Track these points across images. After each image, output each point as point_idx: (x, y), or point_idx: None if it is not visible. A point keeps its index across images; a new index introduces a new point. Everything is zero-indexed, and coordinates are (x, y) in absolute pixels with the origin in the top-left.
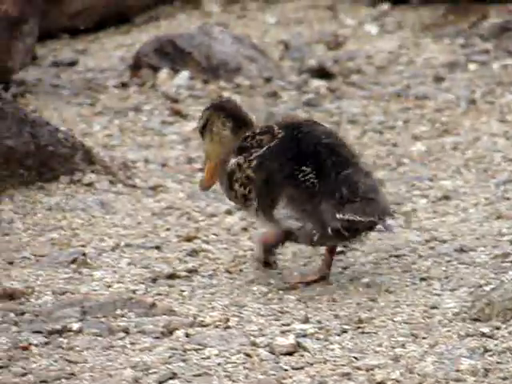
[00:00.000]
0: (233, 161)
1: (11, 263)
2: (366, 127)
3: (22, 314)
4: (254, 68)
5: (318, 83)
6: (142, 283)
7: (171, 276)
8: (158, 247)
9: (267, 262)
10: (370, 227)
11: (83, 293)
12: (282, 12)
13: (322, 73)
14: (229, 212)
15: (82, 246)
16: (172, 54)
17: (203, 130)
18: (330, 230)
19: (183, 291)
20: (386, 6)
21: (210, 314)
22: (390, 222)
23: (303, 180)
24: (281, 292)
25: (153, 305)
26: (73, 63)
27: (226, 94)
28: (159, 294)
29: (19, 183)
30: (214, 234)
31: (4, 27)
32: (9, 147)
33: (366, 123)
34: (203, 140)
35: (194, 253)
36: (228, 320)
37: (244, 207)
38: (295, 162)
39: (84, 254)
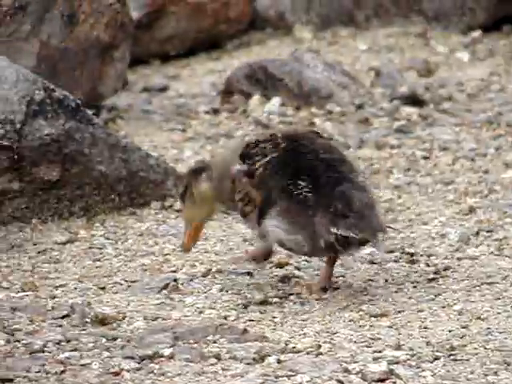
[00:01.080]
0: (237, 167)
1: (103, 288)
2: (458, 154)
3: (114, 339)
4: (345, 95)
5: (409, 110)
6: (234, 309)
7: (263, 302)
8: (249, 273)
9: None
10: (363, 243)
11: (175, 318)
12: (374, 39)
13: (414, 100)
14: None
15: (174, 271)
16: (263, 80)
17: (183, 195)
18: (322, 243)
19: (275, 317)
20: (477, 34)
21: (301, 340)
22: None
23: (297, 193)
24: (373, 319)
25: (244, 331)
26: (164, 89)
27: (317, 121)
28: (251, 320)
29: (110, 209)
30: (305, 261)
31: (96, 53)
32: (100, 173)
33: (457, 150)
34: (184, 206)
35: (285, 279)
36: (320, 346)
37: (244, 216)
38: (291, 175)
39: (175, 280)
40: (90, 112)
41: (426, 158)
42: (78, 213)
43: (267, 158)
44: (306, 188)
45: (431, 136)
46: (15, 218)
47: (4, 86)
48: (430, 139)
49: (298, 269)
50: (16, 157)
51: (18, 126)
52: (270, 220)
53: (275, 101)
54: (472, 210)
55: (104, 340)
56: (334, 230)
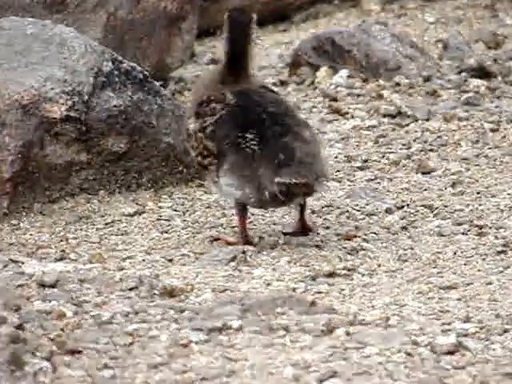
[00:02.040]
0: (191, 126)
1: (170, 261)
2: None
3: (182, 311)
4: (413, 67)
5: (477, 82)
6: (302, 281)
7: (331, 274)
8: (317, 245)
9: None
10: (307, 192)
11: (243, 291)
12: (441, 11)
13: (482, 72)
14: (388, 211)
15: (242, 244)
16: (331, 52)
17: None
18: (267, 194)
19: (343, 289)
20: None
21: (370, 312)
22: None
23: (244, 147)
24: (441, 291)
25: (313, 303)
26: None
27: (385, 93)
28: (319, 293)
29: (178, 180)
30: (373, 233)
31: (163, 24)
32: (168, 144)
33: None
34: None
35: (353, 251)
36: (388, 319)
37: (204, 169)
38: (239, 129)
39: (244, 252)
40: (157, 83)
41: (494, 130)
42: (145, 184)
43: (216, 116)
44: (253, 141)
45: (499, 108)
46: (83, 189)
47: (72, 57)
48: (498, 111)
49: (367, 241)
50: (84, 128)
51: (86, 97)
52: (223, 178)
53: (343, 73)
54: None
55: (172, 312)
56: (276, 179)
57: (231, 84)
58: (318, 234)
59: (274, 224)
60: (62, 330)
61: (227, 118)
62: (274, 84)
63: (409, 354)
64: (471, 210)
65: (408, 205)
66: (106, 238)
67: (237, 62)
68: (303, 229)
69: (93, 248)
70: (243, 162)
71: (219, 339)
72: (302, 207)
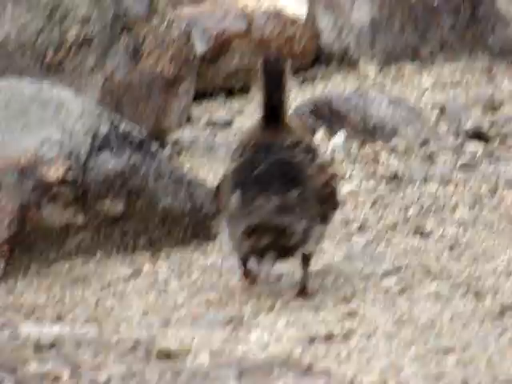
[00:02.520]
0: None
1: (167, 323)
2: None
3: (179, 373)
4: (410, 130)
5: (474, 146)
6: (299, 344)
7: (328, 337)
8: (314, 308)
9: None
10: (282, 246)
11: (240, 353)
12: (438, 74)
13: (479, 136)
14: (386, 274)
15: (239, 306)
16: (328, 115)
17: None
18: (241, 252)
19: (340, 353)
20: None
21: (367, 376)
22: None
23: (232, 203)
24: (439, 355)
25: (309, 366)
26: (228, 123)
27: (382, 156)
28: (316, 356)
29: (175, 242)
30: (370, 296)
31: (160, 87)
32: (165, 207)
33: None
34: None
35: (351, 314)
36: (386, 382)
37: None
38: (233, 186)
39: (241, 315)
40: (154, 146)
41: (491, 194)
42: (142, 246)
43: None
44: (239, 197)
45: (496, 172)
46: (79, 251)
47: (69, 119)
48: (495, 175)
49: (364, 304)
50: (81, 190)
51: (83, 159)
52: (223, 229)
53: (340, 136)
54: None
55: (169, 374)
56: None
57: (266, 135)
58: (315, 296)
59: (272, 284)
60: None
61: (234, 171)
62: None
63: None
64: (468, 274)
65: (405, 268)
66: (102, 299)
67: (273, 112)
68: (303, 291)
69: (89, 310)
70: (230, 217)
71: None
72: (305, 267)
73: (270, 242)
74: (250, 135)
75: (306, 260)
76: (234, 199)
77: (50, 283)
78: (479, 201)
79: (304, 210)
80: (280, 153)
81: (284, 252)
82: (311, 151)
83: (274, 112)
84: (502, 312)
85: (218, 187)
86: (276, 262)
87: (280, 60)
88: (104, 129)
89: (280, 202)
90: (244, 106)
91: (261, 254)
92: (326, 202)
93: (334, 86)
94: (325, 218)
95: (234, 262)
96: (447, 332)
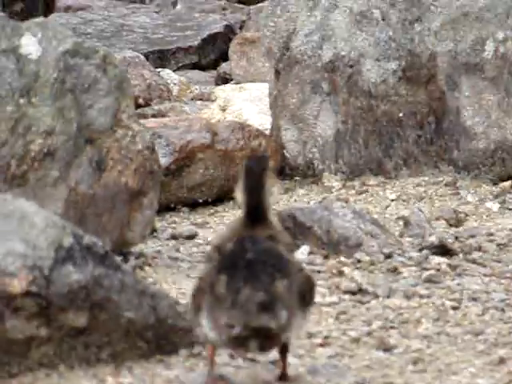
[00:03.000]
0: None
1: None
2: (488, 304)
3: None
4: (374, 243)
5: (438, 260)
6: None
7: None
8: None
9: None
10: (265, 338)
11: None
12: (402, 188)
13: (443, 249)
14: None
15: None
16: (292, 228)
17: None
18: (225, 342)
19: None
20: (507, 184)
21: None
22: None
23: (214, 297)
24: None
25: None
26: (192, 236)
27: (346, 269)
28: None
29: (138, 356)
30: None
31: (124, 199)
32: (129, 319)
33: (487, 300)
34: None
35: None
36: None
37: None
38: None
39: None
40: (118, 258)
41: (455, 308)
42: (105, 359)
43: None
44: (222, 289)
45: (461, 286)
46: (42, 364)
47: (33, 232)
48: (459, 289)
49: None
50: (44, 303)
51: (47, 272)
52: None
53: (304, 249)
54: (502, 361)
55: None
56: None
57: (249, 231)
58: None
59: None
60: None
61: (219, 259)
62: None
63: None
64: None
65: (368, 382)
66: None
67: (254, 210)
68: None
69: None
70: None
71: None
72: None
73: (253, 335)
74: (231, 232)
75: (284, 348)
76: (220, 284)
77: None
78: (443, 315)
79: (289, 300)
80: (266, 243)
81: (267, 341)
82: (292, 248)
83: (256, 210)
84: None
85: (195, 288)
86: (259, 352)
87: (262, 158)
88: (67, 241)
89: (265, 297)
90: (207, 219)
91: (243, 343)
92: (306, 297)
93: (299, 198)
94: (304, 313)
95: (198, 375)
96: None
